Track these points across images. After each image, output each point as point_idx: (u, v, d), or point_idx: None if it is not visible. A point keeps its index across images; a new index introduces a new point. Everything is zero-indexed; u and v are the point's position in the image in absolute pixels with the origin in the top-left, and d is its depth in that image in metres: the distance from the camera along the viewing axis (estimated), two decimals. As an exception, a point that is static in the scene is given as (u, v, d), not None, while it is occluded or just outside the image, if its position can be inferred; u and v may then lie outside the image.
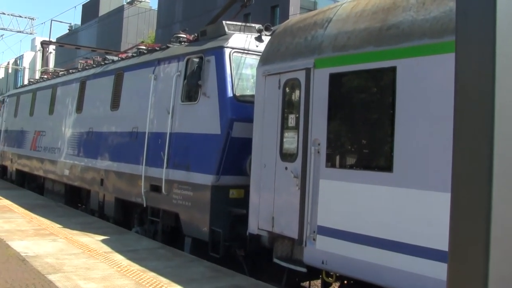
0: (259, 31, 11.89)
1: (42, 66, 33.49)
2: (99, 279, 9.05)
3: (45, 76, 25.34)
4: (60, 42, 52.83)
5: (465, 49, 2.68)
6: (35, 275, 9.15)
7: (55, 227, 13.87)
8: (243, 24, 12.26)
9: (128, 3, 69.19)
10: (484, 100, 2.58)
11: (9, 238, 11.99)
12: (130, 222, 14.70)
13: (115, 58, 17.77)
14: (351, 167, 8.43)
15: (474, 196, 2.63)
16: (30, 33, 56.57)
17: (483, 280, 2.60)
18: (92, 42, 66.61)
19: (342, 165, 8.56)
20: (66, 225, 14.11)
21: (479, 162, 2.59)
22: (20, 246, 11.28)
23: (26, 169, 23.84)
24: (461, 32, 2.72)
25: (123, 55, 17.89)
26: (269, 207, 9.65)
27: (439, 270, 6.50)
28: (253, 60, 11.42)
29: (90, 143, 16.98)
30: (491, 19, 2.57)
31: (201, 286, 8.87)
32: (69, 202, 18.97)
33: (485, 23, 2.59)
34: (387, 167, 7.64)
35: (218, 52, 11.52)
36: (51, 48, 38.18)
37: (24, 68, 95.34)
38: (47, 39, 41.50)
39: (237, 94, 11.22)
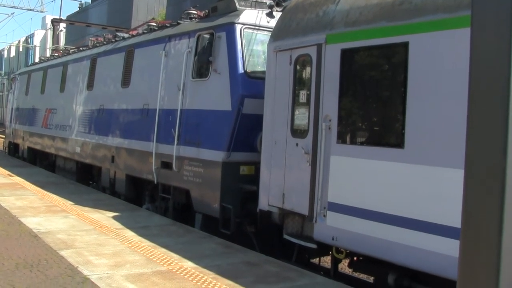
0: (271, 7, 11.80)
1: (52, 44, 33.56)
2: (110, 255, 9.10)
3: (56, 54, 25.37)
4: (71, 20, 52.80)
5: (481, 24, 2.63)
6: (47, 250, 9.20)
7: (67, 204, 13.94)
8: (254, 0, 12.17)
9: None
10: (500, 76, 2.54)
11: (21, 215, 12.06)
12: (141, 199, 14.75)
13: (126, 35, 17.73)
14: (362, 143, 8.39)
15: (487, 173, 2.60)
16: (41, 11, 56.55)
17: (496, 257, 2.57)
18: (103, 20, 66.44)
19: (353, 141, 8.53)
20: (77, 202, 14.18)
21: (494, 138, 2.56)
22: (32, 222, 11.35)
23: (37, 147, 23.94)
24: (477, 6, 2.67)
25: (134, 32, 17.83)
26: (280, 183, 9.64)
27: (451, 247, 6.48)
28: (264, 36, 11.35)
29: (101, 121, 17.00)
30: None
31: (212, 262, 8.89)
32: (81, 180, 19.05)
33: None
34: (398, 143, 7.59)
35: (229, 28, 11.46)
36: (62, 26, 38.20)
37: (35, 46, 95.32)
38: (57, 17, 41.53)
39: (248, 70, 11.17)
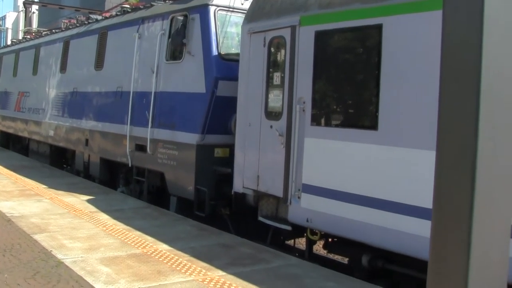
0: (245, -12, 11.75)
1: (25, 27, 33.10)
2: (84, 239, 9.05)
3: (28, 37, 25.04)
4: (43, 2, 52.02)
5: (453, 6, 2.64)
6: (21, 235, 9.13)
7: (41, 187, 13.83)
8: (228, -19, 12.10)
9: (111, -39, 68.00)
10: (471, 59, 2.55)
11: (-6, 199, 11.96)
12: (116, 182, 14.69)
13: (99, 17, 17.56)
14: (336, 125, 8.41)
15: (459, 154, 2.62)
16: (12, -7, 55.68)
17: (467, 238, 2.60)
18: (76, 2, 65.72)
19: (327, 123, 8.55)
20: (51, 185, 14.07)
21: (465, 120, 2.58)
22: (5, 206, 11.25)
23: (10, 131, 23.70)
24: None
25: (107, 14, 17.66)
26: (254, 165, 9.65)
27: (424, 228, 6.54)
28: (238, 18, 11.31)
29: (74, 104, 16.85)
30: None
31: (187, 245, 8.89)
32: (54, 163, 18.91)
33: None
34: (372, 125, 7.62)
35: (203, 10, 11.39)
36: (34, 8, 37.65)
37: (7, 28, 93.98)
38: (29, -2, 40.88)
39: (222, 52, 11.13)
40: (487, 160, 2.58)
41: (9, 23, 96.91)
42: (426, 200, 6.50)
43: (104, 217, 10.71)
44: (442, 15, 2.76)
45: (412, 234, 6.93)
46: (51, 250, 8.28)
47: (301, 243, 11.20)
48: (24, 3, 33.47)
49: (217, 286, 7.02)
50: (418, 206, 6.86)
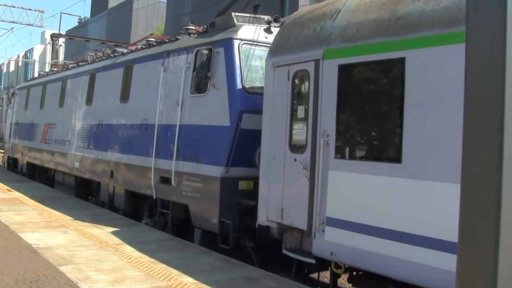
0: (268, 22, 11.87)
1: (52, 59, 33.63)
2: (109, 271, 9.09)
3: (55, 69, 25.44)
4: (70, 35, 52.97)
5: (475, 39, 2.66)
6: (47, 266, 9.20)
7: (66, 219, 13.93)
8: (252, 15, 12.24)
9: (137, -5, 69.15)
10: (495, 91, 2.56)
11: (20, 230, 12.05)
12: (140, 214, 14.75)
13: (125, 50, 17.80)
14: (360, 158, 8.42)
15: (484, 189, 2.62)
16: (40, 26, 56.77)
17: (493, 271, 2.59)
18: (102, 35, 66.65)
19: (351, 156, 8.56)
20: (76, 217, 14.17)
21: (489, 154, 2.58)
22: (31, 238, 11.34)
23: (36, 162, 23.94)
24: (471, 22, 2.70)
25: (133, 47, 17.91)
26: (278, 198, 9.66)
27: (449, 261, 6.50)
28: (262, 52, 11.42)
29: (100, 136, 17.03)
30: (502, 9, 2.55)
31: (211, 277, 8.89)
32: (80, 195, 19.03)
33: (495, 13, 2.57)
34: (396, 158, 7.62)
35: (227, 44, 11.52)
36: (61, 41, 38.25)
37: (34, 61, 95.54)
38: (56, 32, 41.62)
39: (246, 85, 11.22)
40: (512, 195, 2.57)
41: (36, 56, 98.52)
42: (451, 233, 6.47)
43: (129, 249, 10.75)
44: (465, 48, 2.78)
45: (437, 268, 6.89)
46: (76, 282, 8.32)
47: (325, 276, 11.14)
48: (51, 36, 34.06)
49: (242, 319, 7.01)
50: (443, 239, 6.82)
